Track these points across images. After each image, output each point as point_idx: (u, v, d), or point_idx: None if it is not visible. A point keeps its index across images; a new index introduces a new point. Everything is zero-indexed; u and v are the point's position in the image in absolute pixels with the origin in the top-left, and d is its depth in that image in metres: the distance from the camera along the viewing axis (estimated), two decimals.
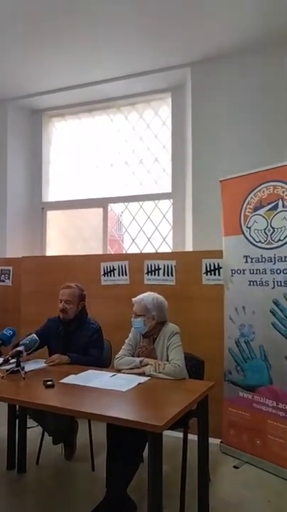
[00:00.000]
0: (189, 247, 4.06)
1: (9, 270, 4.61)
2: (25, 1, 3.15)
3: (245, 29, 3.48)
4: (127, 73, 4.26)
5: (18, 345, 2.60)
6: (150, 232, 4.59)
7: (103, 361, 2.95)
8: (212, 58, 3.89)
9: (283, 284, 2.83)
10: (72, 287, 2.98)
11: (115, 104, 4.79)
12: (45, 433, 2.91)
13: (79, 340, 2.89)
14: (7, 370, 2.43)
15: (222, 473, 2.81)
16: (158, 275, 3.68)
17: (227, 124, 3.84)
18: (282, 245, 2.86)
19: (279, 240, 2.87)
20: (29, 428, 2.91)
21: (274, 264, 2.89)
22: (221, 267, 3.37)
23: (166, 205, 4.54)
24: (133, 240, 4.67)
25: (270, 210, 2.94)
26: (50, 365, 2.71)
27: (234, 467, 2.90)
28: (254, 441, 2.95)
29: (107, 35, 3.60)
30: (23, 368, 2.47)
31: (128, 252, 4.67)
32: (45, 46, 3.78)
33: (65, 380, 2.35)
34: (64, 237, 5.15)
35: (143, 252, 4.54)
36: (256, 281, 3.00)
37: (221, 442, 3.15)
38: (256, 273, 3.00)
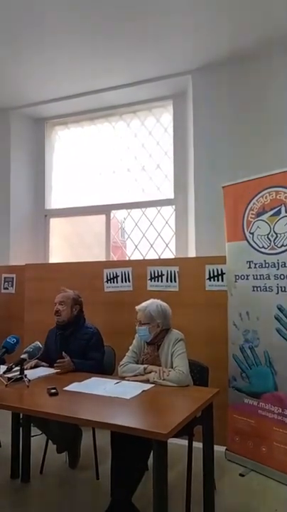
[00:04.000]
0: (192, 253, 4.05)
1: (12, 278, 4.62)
2: (26, 11, 3.18)
3: (246, 36, 3.49)
4: (129, 81, 4.29)
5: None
6: (153, 238, 4.59)
7: (104, 364, 2.94)
8: (212, 66, 3.91)
9: None
10: (66, 291, 3.03)
11: (117, 112, 4.82)
12: (49, 441, 2.90)
13: (75, 344, 2.89)
14: (10, 378, 2.42)
15: (228, 481, 2.78)
16: (161, 281, 3.67)
17: (229, 130, 3.85)
18: (285, 251, 2.85)
19: (282, 245, 2.87)
20: (33, 436, 2.90)
21: (278, 269, 2.88)
22: (224, 273, 3.36)
23: (168, 211, 4.54)
24: (136, 247, 4.67)
25: (273, 215, 2.94)
26: (59, 373, 2.69)
27: (240, 475, 2.87)
28: (260, 449, 2.92)
29: (109, 44, 3.63)
30: (27, 375, 2.46)
31: (131, 258, 4.67)
32: (47, 55, 3.82)
33: (69, 388, 2.34)
34: (67, 244, 5.16)
35: (146, 258, 4.54)
36: (259, 287, 2.99)
37: (226, 450, 3.12)
38: (260, 278, 2.99)
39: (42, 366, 2.85)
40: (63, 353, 2.77)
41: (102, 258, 4.70)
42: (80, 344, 2.88)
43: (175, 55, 3.82)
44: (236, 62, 3.82)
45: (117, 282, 3.89)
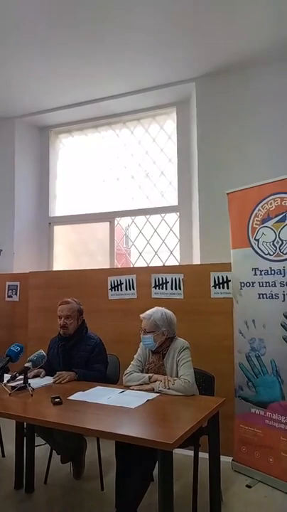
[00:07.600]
0: (196, 260, 4.03)
1: (16, 285, 4.61)
2: (29, 21, 3.21)
3: (249, 44, 3.50)
4: (132, 89, 4.32)
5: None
6: (157, 245, 4.58)
7: (107, 375, 2.90)
8: (216, 73, 3.92)
9: None
10: (70, 302, 2.94)
11: (121, 120, 4.84)
12: (53, 451, 2.86)
13: (79, 354, 2.85)
14: (14, 387, 2.40)
15: (235, 493, 2.73)
16: (166, 289, 3.65)
17: (232, 137, 3.85)
18: None
19: None
20: (37, 446, 2.86)
21: (284, 276, 2.85)
22: (229, 280, 3.33)
23: (173, 218, 4.54)
24: (141, 254, 4.66)
25: (278, 222, 2.91)
26: (58, 383, 2.66)
27: (247, 486, 2.82)
28: (267, 459, 2.87)
29: (112, 52, 3.65)
30: (30, 384, 2.44)
31: (136, 265, 4.66)
32: (52, 64, 3.85)
33: (73, 397, 2.31)
34: (71, 252, 5.16)
35: (151, 265, 4.52)
36: (265, 294, 2.96)
37: (233, 460, 3.07)
38: (266, 286, 2.96)
39: (39, 377, 2.79)
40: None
41: (106, 265, 4.69)
42: (83, 355, 2.84)
43: (179, 63, 3.83)
44: (240, 70, 3.83)
45: (121, 290, 3.87)
